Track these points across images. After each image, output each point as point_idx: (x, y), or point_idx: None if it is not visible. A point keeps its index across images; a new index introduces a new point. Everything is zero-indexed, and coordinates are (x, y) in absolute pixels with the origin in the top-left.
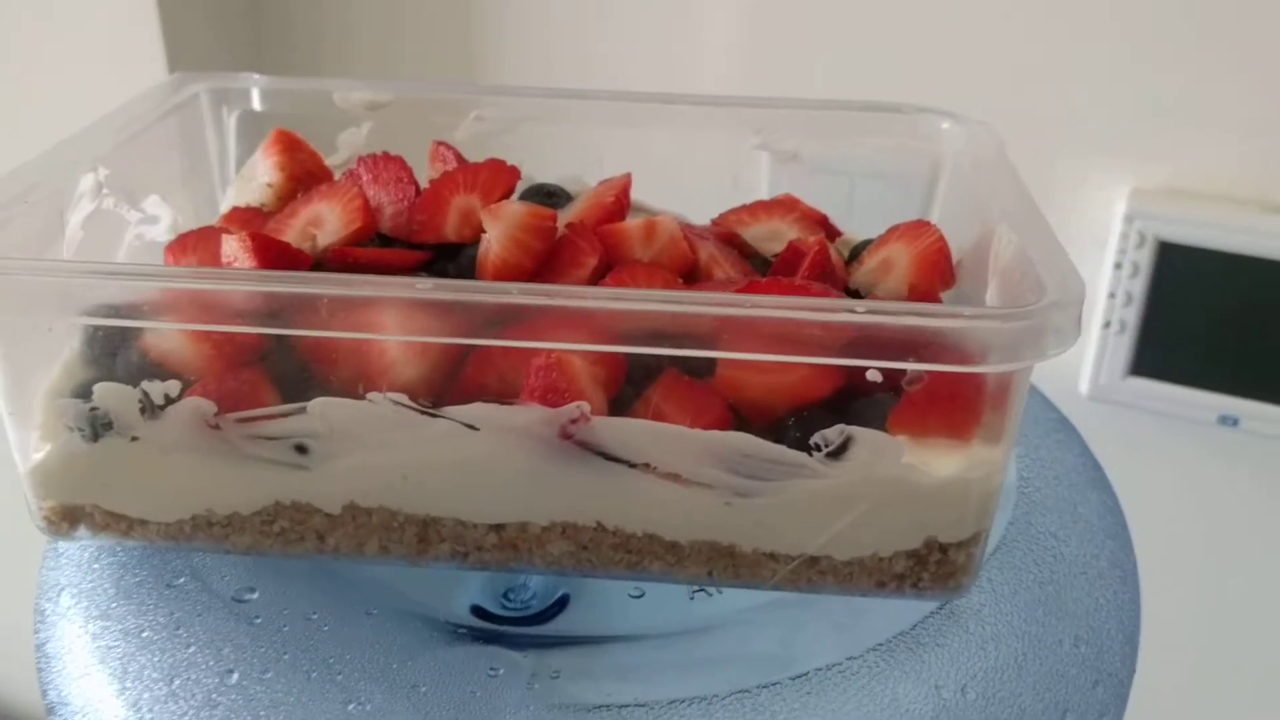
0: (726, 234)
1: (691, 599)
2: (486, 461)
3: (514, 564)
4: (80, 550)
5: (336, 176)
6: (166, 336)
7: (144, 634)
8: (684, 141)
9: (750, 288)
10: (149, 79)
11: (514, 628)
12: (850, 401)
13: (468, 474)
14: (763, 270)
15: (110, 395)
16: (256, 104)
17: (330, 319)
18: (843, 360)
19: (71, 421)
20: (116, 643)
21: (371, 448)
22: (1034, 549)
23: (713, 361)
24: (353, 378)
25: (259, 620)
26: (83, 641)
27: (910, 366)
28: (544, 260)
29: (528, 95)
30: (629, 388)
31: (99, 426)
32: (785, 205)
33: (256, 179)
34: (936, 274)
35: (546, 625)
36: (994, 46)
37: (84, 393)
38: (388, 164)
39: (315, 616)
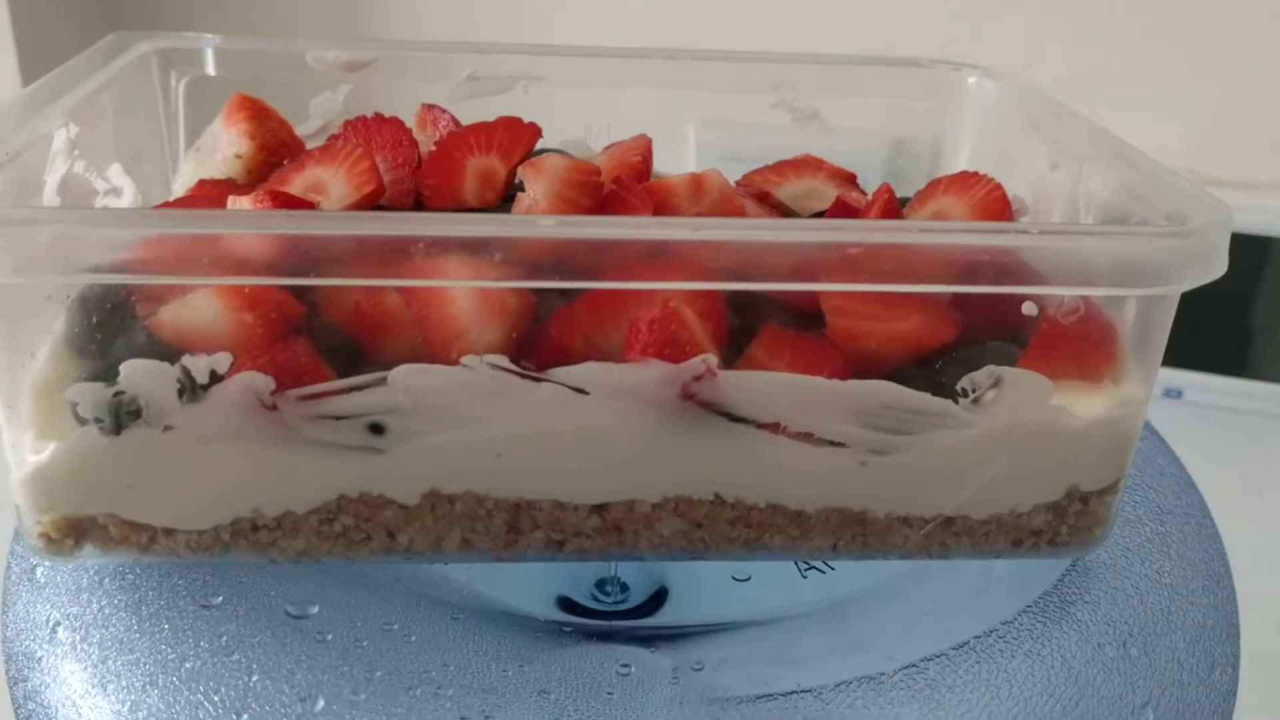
0: (760, 193)
1: (804, 577)
2: (594, 431)
3: (615, 550)
4: (67, 577)
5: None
6: (190, 307)
7: (186, 664)
8: (697, 100)
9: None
10: None
11: (622, 621)
12: (967, 347)
13: (571, 447)
14: None
15: (141, 376)
16: (210, 68)
17: (424, 265)
18: (1009, 289)
19: (89, 411)
20: (153, 675)
21: (461, 422)
22: (1130, 499)
23: (819, 313)
24: (415, 344)
25: (330, 637)
26: (104, 682)
27: (1091, 292)
28: None
29: (525, 53)
30: (728, 351)
31: (124, 415)
32: (811, 164)
33: (219, 151)
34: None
35: (653, 618)
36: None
37: (104, 375)
38: (382, 126)
39: (395, 627)
